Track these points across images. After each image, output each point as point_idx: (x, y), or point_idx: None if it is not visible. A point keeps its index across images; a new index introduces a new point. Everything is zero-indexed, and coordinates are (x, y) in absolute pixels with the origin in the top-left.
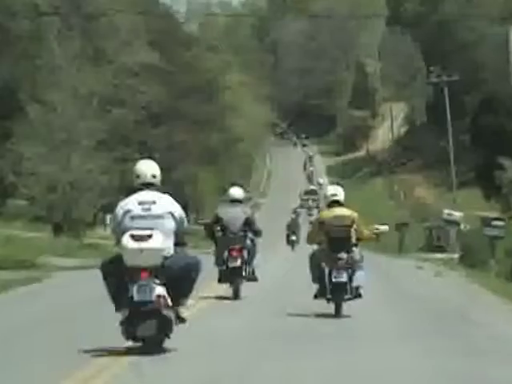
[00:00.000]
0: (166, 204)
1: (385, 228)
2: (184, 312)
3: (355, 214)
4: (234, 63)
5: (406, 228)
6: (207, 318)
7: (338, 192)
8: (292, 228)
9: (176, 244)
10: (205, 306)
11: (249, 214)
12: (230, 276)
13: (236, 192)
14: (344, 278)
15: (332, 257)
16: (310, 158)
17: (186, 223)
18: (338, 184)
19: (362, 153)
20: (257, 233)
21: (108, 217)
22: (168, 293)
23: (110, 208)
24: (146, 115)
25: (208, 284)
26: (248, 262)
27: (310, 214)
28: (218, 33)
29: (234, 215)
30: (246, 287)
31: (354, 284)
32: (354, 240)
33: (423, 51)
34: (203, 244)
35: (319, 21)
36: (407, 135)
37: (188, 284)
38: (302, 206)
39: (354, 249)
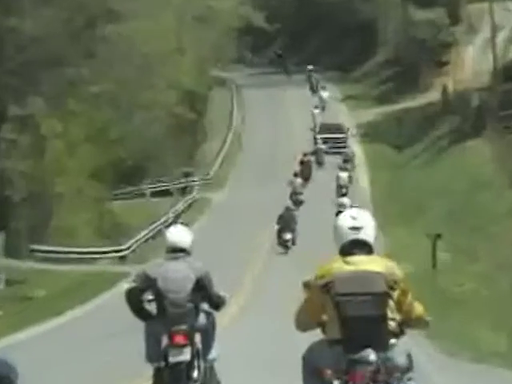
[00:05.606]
0: None
1: None
2: None
3: (395, 269)
4: None
5: None
6: None
7: (361, 222)
8: (285, 219)
9: None
10: None
11: (202, 273)
12: (172, 378)
13: (178, 236)
14: None
15: (348, 359)
16: (323, 87)
17: None
18: (356, 207)
19: (433, 94)
20: (216, 303)
21: None
22: None
23: None
24: None
25: None
26: (202, 352)
27: (341, 186)
28: None
29: (177, 275)
30: None
31: None
32: (393, 324)
33: None
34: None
35: None
36: None
37: None
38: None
39: (392, 342)
